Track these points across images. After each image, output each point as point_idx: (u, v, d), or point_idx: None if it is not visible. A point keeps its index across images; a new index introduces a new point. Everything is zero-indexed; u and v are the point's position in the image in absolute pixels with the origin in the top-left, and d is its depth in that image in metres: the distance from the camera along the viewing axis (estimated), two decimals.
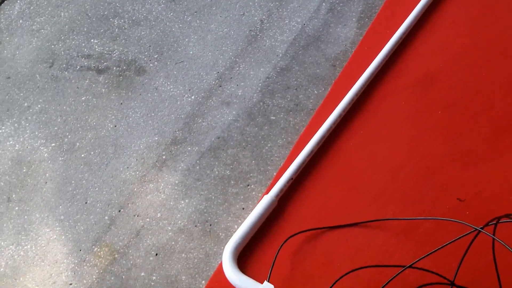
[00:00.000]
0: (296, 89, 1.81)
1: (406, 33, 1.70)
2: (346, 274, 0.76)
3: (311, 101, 1.78)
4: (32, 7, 2.21)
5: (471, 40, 1.65)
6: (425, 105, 1.55)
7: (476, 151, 1.41)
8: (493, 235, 0.73)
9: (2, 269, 1.53)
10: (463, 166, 1.40)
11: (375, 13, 1.95)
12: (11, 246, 1.58)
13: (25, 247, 1.58)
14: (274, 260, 0.80)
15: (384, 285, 0.73)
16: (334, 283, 0.75)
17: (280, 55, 1.92)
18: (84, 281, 1.47)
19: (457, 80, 1.58)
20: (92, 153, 1.72)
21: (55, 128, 1.79)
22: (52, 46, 2.02)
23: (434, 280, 0.77)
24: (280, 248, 0.79)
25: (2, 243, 1.59)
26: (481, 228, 0.75)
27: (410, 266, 0.76)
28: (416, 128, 1.50)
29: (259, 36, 1.98)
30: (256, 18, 2.05)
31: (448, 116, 1.51)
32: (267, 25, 2.02)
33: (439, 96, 1.56)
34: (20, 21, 2.18)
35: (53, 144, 1.76)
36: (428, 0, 1.74)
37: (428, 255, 0.81)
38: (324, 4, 2.05)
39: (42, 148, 1.75)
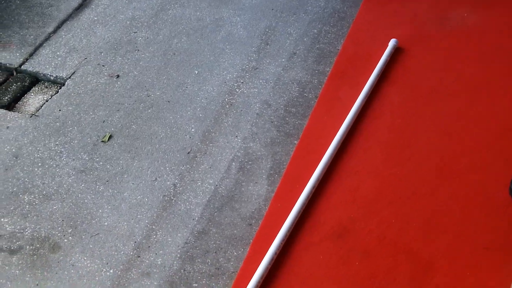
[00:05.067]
0: (215, 252, 1.96)
1: (315, 187, 1.92)
2: None
3: (231, 263, 1.93)
4: None
5: (377, 187, 1.90)
6: (343, 254, 1.74)
7: None
8: None
9: None
10: None
11: (283, 169, 2.18)
12: None
13: None
14: None
15: None
16: None
17: (196, 218, 2.08)
18: None
19: (370, 226, 1.80)
20: None
21: None
22: None
23: None
24: None
25: None
26: None
27: None
28: (337, 279, 1.68)
29: (173, 200, 2.15)
30: (168, 182, 2.22)
31: (365, 263, 1.70)
32: (180, 188, 2.19)
33: (356, 244, 1.76)
34: None
35: None
36: (331, 154, 1.99)
37: None
38: (234, 163, 2.27)
39: None
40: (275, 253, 1.79)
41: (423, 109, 2.16)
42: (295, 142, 2.31)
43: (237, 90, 2.64)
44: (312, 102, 2.51)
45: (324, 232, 1.83)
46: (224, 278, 1.88)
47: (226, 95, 2.62)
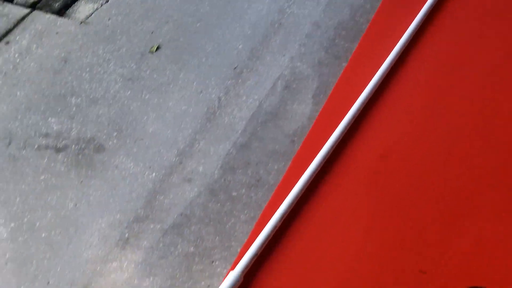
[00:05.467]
0: (256, 164, 1.98)
1: (359, 111, 1.91)
2: None
3: (271, 176, 1.95)
4: None
5: (416, 127, 1.87)
6: (382, 182, 1.74)
7: (433, 228, 1.60)
8: None
9: None
10: (423, 241, 1.58)
11: (329, 90, 2.17)
12: None
13: None
14: None
15: None
16: None
17: (239, 131, 2.10)
18: None
19: (410, 159, 1.79)
20: (53, 232, 1.83)
21: (14, 208, 1.90)
22: (9, 125, 2.15)
23: None
24: None
25: None
26: None
27: None
28: (375, 205, 1.69)
29: (217, 113, 2.17)
30: (213, 95, 2.24)
31: (405, 193, 1.70)
32: (225, 102, 2.21)
33: (395, 174, 1.76)
34: None
35: (12, 224, 1.85)
36: (378, 79, 1.97)
37: None
38: (279, 81, 2.27)
39: (1, 228, 1.84)
40: (316, 170, 1.79)
41: (476, 44, 2.10)
42: (343, 64, 2.29)
43: (287, 10, 2.61)
44: (363, 26, 2.47)
45: (360, 164, 1.83)
46: (264, 189, 1.91)
47: (276, 14, 2.59)
